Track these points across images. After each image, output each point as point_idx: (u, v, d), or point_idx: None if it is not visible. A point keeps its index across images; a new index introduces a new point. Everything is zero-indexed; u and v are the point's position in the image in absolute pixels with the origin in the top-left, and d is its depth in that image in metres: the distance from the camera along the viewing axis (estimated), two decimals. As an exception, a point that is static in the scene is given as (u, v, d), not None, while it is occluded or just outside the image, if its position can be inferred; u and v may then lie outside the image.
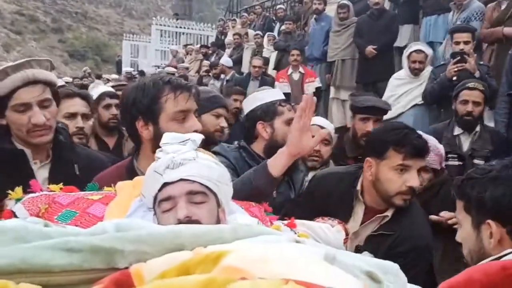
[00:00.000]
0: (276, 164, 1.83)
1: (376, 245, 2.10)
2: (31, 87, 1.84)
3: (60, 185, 1.62)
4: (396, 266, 1.29)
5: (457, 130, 3.78)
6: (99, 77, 14.29)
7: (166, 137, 1.50)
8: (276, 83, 7.47)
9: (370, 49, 6.58)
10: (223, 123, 2.89)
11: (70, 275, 1.02)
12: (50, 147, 1.98)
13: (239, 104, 5.11)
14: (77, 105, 2.78)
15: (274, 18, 11.79)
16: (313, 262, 1.03)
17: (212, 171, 1.43)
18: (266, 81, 7.84)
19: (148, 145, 1.80)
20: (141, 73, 13.68)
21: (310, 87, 7.30)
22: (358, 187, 2.25)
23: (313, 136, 1.84)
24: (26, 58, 1.92)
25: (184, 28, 18.93)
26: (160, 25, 19.02)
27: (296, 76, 7.41)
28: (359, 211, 2.23)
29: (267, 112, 2.36)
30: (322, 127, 3.00)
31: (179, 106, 1.76)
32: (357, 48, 7.07)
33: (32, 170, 1.91)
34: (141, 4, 32.75)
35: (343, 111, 7.52)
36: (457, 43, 4.73)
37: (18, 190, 1.52)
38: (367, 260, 1.26)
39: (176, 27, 18.99)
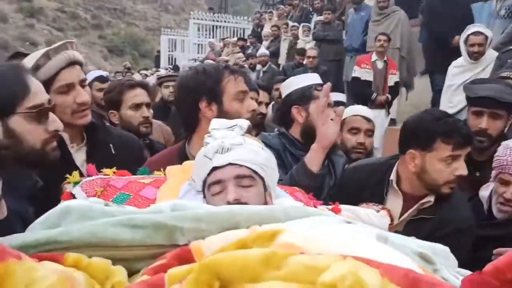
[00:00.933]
0: (313, 160, 2.00)
1: (415, 230, 2.03)
2: (72, 68, 1.89)
3: (114, 169, 1.68)
4: (446, 249, 1.28)
5: None
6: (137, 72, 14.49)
7: (214, 123, 1.55)
8: (355, 67, 6.75)
9: (458, 39, 5.85)
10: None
11: (134, 249, 1.07)
12: (83, 130, 2.02)
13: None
14: (140, 95, 2.83)
15: (311, 9, 11.71)
16: (367, 241, 1.04)
17: (259, 155, 1.47)
18: (323, 70, 7.50)
19: (208, 125, 1.85)
20: (176, 68, 13.85)
21: (392, 79, 6.59)
22: (392, 177, 2.21)
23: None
24: (63, 41, 1.96)
25: (221, 21, 19.07)
26: (198, 19, 19.24)
27: (380, 65, 6.59)
28: (394, 200, 2.20)
29: (303, 96, 2.36)
30: (366, 118, 2.95)
31: (239, 87, 1.92)
32: (432, 33, 6.56)
33: (70, 154, 1.95)
34: (177, -1, 33.10)
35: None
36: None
37: (75, 174, 1.59)
38: (417, 242, 1.26)
39: (213, 20, 19.15)
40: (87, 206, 1.16)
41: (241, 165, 1.41)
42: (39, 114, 1.29)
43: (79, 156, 1.99)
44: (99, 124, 2.09)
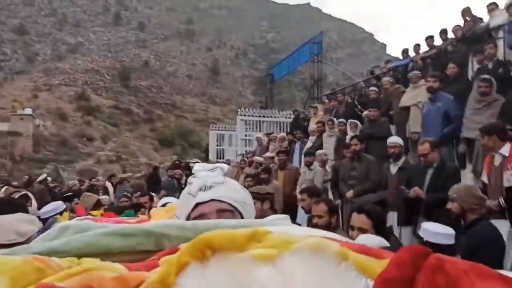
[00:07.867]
0: None
1: None
2: None
3: (101, 210, 1.66)
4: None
5: None
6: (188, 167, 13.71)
7: (197, 166, 1.75)
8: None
9: None
10: None
11: (125, 256, 1.14)
12: None
13: None
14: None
15: (356, 103, 11.61)
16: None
17: (238, 193, 1.58)
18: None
19: None
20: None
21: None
22: None
23: None
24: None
25: (266, 117, 19.57)
26: (245, 115, 19.87)
27: (498, 160, 5.03)
28: None
29: None
30: None
31: None
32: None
33: None
34: (223, 91, 34.69)
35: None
36: None
37: (65, 214, 1.58)
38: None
39: (259, 116, 19.69)
40: (84, 223, 1.25)
41: (222, 201, 1.50)
42: None
43: None
44: None
